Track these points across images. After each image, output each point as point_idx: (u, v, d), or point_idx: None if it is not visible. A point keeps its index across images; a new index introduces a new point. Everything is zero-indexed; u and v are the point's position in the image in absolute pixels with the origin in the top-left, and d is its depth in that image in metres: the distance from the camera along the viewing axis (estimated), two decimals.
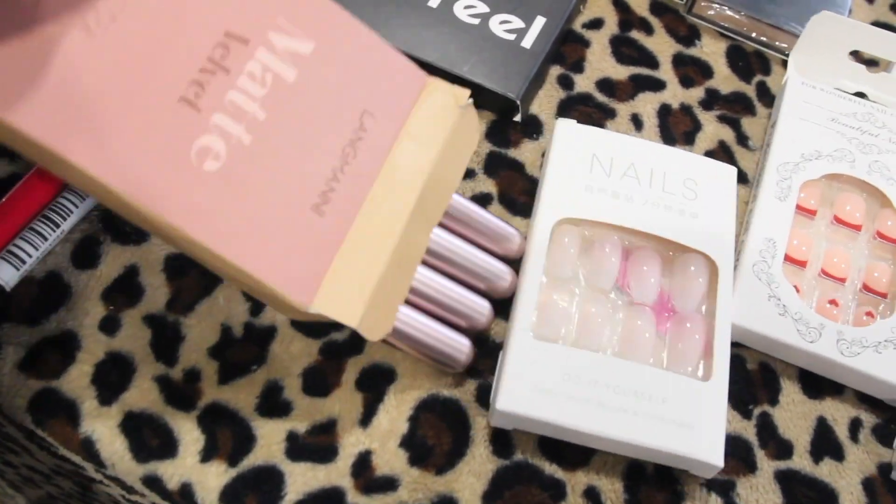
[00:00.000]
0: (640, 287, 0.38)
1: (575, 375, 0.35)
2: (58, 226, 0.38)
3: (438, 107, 0.36)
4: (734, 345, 0.39)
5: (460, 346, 0.36)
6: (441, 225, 0.37)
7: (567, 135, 0.42)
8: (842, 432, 0.38)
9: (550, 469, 0.36)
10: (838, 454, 0.38)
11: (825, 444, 0.38)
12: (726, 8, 0.49)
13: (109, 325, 0.37)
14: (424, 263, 0.36)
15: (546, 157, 0.41)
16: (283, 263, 0.31)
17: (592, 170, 0.41)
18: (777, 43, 0.49)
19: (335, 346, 0.37)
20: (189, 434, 0.35)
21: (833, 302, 0.40)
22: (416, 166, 0.35)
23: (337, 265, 0.32)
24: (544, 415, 0.34)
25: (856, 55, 0.48)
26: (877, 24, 0.52)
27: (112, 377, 0.36)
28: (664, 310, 0.38)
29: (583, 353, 0.36)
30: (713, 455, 0.34)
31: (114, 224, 0.39)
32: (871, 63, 0.49)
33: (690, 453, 0.34)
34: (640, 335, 0.37)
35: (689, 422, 0.34)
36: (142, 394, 0.36)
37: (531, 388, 0.34)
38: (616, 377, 0.35)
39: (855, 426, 0.38)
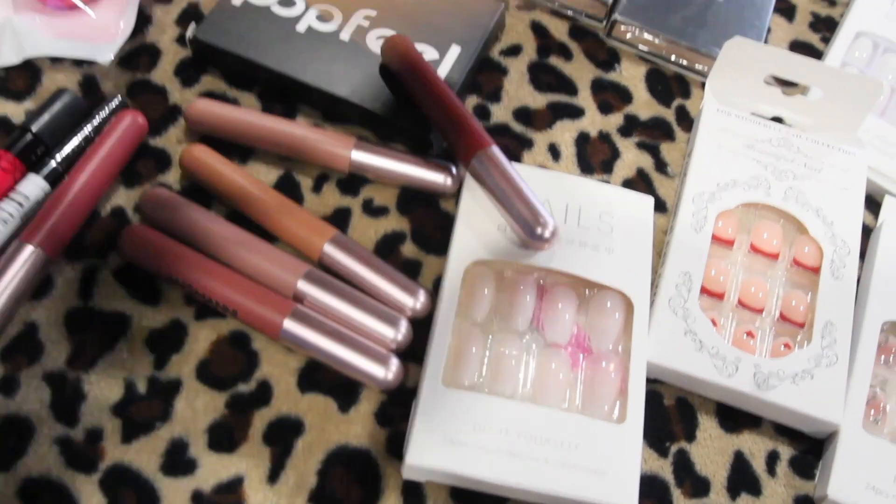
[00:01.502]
0: (554, 327, 0.38)
1: (486, 425, 0.34)
2: None
3: None
4: (652, 380, 0.39)
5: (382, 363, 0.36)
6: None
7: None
8: (759, 466, 0.38)
9: None
10: (755, 489, 0.37)
11: (742, 479, 0.38)
12: (646, 31, 0.48)
13: (6, 386, 0.35)
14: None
15: (460, 195, 0.41)
16: None
17: None
18: (697, 66, 0.49)
19: (242, 398, 0.36)
20: (90, 499, 0.34)
21: (750, 334, 0.40)
22: None
23: None
24: (455, 468, 0.33)
25: (775, 77, 0.48)
26: (796, 42, 0.52)
27: (9, 442, 0.34)
28: (581, 349, 0.38)
29: (494, 400, 0.35)
30: (627, 501, 0.34)
31: None
32: (790, 84, 0.49)
33: (604, 500, 0.33)
34: (553, 378, 0.36)
35: (603, 468, 0.34)
36: (40, 458, 0.34)
37: (442, 440, 0.34)
38: (528, 424, 0.34)
39: (772, 459, 0.38)
